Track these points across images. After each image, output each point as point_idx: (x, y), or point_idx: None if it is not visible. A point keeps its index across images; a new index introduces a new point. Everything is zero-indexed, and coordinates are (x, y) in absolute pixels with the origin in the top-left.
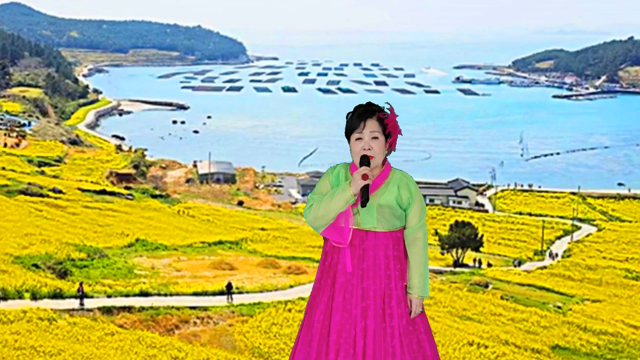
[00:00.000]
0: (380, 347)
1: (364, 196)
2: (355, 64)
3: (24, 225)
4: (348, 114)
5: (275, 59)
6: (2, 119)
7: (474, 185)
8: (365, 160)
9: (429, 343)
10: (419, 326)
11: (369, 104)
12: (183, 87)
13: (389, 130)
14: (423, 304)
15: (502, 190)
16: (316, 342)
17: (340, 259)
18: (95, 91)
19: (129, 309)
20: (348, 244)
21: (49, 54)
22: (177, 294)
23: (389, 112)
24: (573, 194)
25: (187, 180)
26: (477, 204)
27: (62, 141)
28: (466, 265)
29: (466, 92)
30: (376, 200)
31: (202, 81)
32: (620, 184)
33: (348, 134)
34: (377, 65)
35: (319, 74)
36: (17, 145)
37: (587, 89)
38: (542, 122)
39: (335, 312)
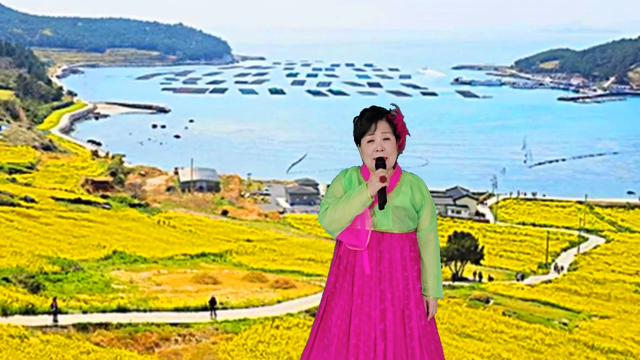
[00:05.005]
0: (400, 349)
1: (382, 198)
2: (348, 65)
3: None
4: (355, 118)
5: (262, 58)
6: None
7: (474, 193)
8: (381, 162)
9: (440, 346)
10: (433, 328)
11: (374, 107)
12: (163, 89)
13: (399, 130)
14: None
15: (504, 199)
16: (334, 347)
17: (357, 261)
18: (70, 93)
19: (105, 325)
20: (366, 246)
21: (21, 54)
22: (157, 310)
23: (395, 113)
24: (580, 203)
25: (168, 189)
26: (477, 213)
27: (34, 147)
28: (466, 279)
29: (466, 94)
30: (391, 202)
31: (184, 82)
32: (630, 193)
33: (358, 137)
34: (370, 65)
35: (308, 75)
36: None
37: (594, 90)
38: (546, 126)
39: (354, 315)
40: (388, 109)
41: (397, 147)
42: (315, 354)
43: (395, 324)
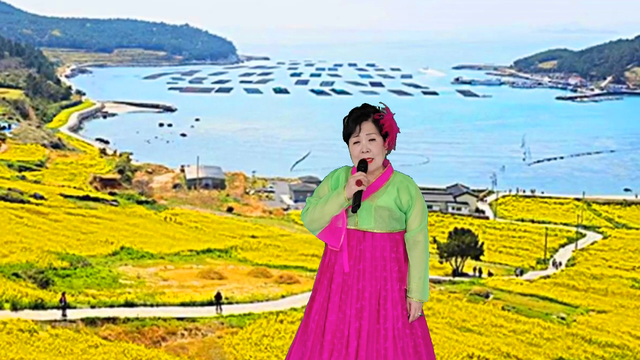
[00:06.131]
0: (372, 349)
1: (356, 202)
2: (350, 64)
3: (3, 233)
4: (345, 118)
5: (267, 58)
6: None
7: (474, 190)
8: (362, 166)
9: (426, 348)
10: (416, 330)
11: (364, 106)
12: (170, 89)
13: (386, 130)
14: (423, 309)
15: (504, 196)
16: (311, 342)
17: (337, 259)
18: (79, 92)
19: (113, 320)
20: (341, 247)
21: (30, 54)
22: (164, 305)
23: (384, 111)
24: (577, 200)
25: (175, 186)
26: (477, 210)
27: (43, 145)
28: (466, 275)
29: (466, 93)
30: (374, 202)
31: (190, 82)
32: (626, 190)
33: (346, 138)
34: (372, 65)
35: (312, 75)
36: None
37: (592, 90)
38: (545, 124)
39: (330, 312)
40: (377, 107)
41: (385, 146)
42: (296, 347)
43: (370, 323)
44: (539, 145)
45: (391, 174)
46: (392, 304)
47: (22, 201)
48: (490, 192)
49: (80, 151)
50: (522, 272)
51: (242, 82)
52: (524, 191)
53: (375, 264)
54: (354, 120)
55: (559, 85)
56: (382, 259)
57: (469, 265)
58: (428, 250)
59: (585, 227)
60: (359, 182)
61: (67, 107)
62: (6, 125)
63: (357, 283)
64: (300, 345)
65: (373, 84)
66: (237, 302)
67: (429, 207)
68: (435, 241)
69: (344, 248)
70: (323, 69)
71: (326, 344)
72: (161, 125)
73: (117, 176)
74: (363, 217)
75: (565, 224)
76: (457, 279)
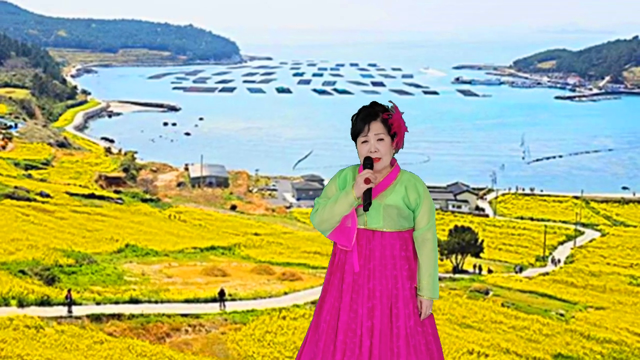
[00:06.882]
0: (385, 347)
1: (367, 200)
2: (352, 64)
3: (10, 231)
4: (353, 116)
5: (269, 58)
6: None
7: (474, 189)
8: (368, 163)
9: (436, 346)
10: (427, 328)
11: (373, 104)
12: (174, 88)
13: (394, 130)
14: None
15: (503, 194)
16: (322, 342)
17: (347, 258)
18: (84, 92)
19: (118, 316)
20: (352, 246)
21: (36, 54)
22: (168, 301)
23: (393, 111)
24: (576, 198)
25: (179, 184)
26: (477, 208)
27: (49, 144)
28: (466, 272)
29: (466, 93)
30: (383, 201)
31: (194, 82)
32: (624, 188)
33: (354, 137)
34: (374, 65)
35: (314, 75)
36: (4, 147)
37: (590, 89)
38: (544, 124)
39: (342, 312)
40: (386, 106)
41: (393, 146)
42: (307, 348)
43: (382, 322)
44: (538, 144)
45: (399, 173)
46: (403, 302)
47: (28, 199)
48: (490, 190)
49: (85, 150)
50: (521, 269)
51: (245, 81)
52: (523, 189)
53: (384, 262)
54: (362, 120)
55: (558, 85)
56: (392, 257)
57: (469, 262)
58: (437, 248)
59: (583, 225)
60: (367, 180)
61: (72, 106)
62: (13, 124)
63: (367, 282)
64: (311, 346)
65: (374, 84)
66: (240, 299)
67: None
68: None
69: (353, 247)
70: (325, 69)
71: (339, 344)
72: (165, 124)
73: (122, 174)
74: (372, 216)
75: (564, 222)
76: (457, 276)
